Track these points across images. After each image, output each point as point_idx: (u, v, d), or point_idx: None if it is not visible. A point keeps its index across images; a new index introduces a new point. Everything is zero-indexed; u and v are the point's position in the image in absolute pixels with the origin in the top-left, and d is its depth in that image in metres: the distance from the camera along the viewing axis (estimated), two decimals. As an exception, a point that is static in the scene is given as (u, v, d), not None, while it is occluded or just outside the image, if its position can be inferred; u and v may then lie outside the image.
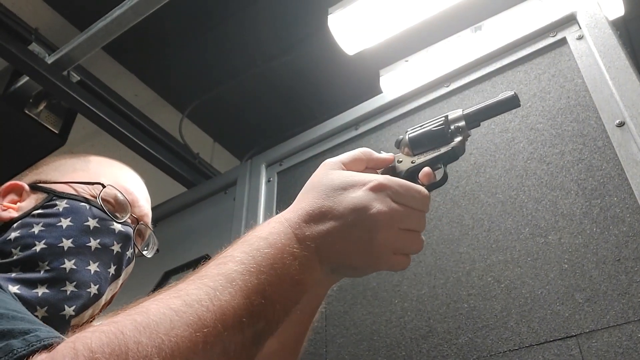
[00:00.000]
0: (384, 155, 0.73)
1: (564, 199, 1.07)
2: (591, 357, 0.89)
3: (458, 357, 1.03)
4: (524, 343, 0.97)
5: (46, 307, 0.70)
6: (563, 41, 1.25)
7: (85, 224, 0.79)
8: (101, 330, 0.45)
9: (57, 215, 0.79)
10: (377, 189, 0.62)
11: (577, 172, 1.08)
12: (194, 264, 1.61)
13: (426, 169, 0.70)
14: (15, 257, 0.74)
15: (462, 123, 0.72)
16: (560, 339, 0.94)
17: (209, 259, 0.57)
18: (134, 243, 0.86)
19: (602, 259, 0.97)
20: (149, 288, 1.62)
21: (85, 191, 0.84)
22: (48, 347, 0.46)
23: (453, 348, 1.04)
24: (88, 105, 1.90)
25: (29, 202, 0.82)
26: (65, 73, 1.88)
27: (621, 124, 1.05)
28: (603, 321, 0.91)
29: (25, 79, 1.87)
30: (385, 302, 1.19)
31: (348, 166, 0.68)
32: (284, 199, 1.53)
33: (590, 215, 1.02)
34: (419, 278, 1.17)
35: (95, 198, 0.83)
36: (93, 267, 0.78)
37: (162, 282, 1.64)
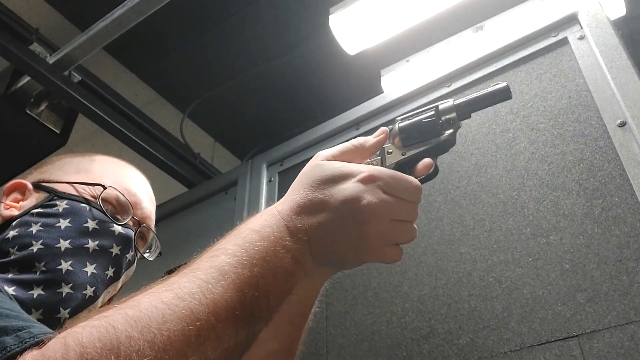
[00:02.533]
0: (375, 138, 0.72)
1: (565, 199, 1.06)
2: (592, 357, 0.89)
3: (459, 358, 1.02)
4: (525, 343, 0.97)
5: (41, 310, 0.70)
6: (564, 41, 1.25)
7: (84, 225, 0.79)
8: (92, 325, 0.45)
9: (56, 215, 0.78)
10: (368, 180, 0.62)
11: (579, 172, 1.07)
12: (195, 264, 1.61)
13: (426, 160, 0.69)
14: (12, 257, 0.74)
15: (453, 114, 0.71)
16: (561, 340, 0.94)
17: (199, 254, 0.57)
18: (135, 246, 0.85)
19: (604, 259, 0.96)
20: (150, 288, 1.62)
21: (86, 192, 0.83)
22: (40, 343, 0.46)
23: (454, 349, 1.04)
24: (89, 105, 1.90)
25: (31, 201, 0.82)
26: (66, 73, 1.88)
27: (622, 124, 1.05)
28: (604, 321, 0.91)
29: (26, 78, 1.87)
30: (386, 302, 1.19)
31: (340, 158, 0.67)
32: (284, 199, 1.52)
33: (592, 216, 1.02)
34: (420, 278, 1.17)
35: (96, 199, 0.82)
36: (90, 268, 0.77)
37: (163, 282, 1.64)
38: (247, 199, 1.64)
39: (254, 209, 1.59)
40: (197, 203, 1.88)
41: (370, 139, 0.72)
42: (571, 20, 1.26)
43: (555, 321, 0.96)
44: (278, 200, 1.62)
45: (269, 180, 1.64)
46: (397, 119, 0.74)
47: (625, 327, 0.88)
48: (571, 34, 1.24)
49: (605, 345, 0.89)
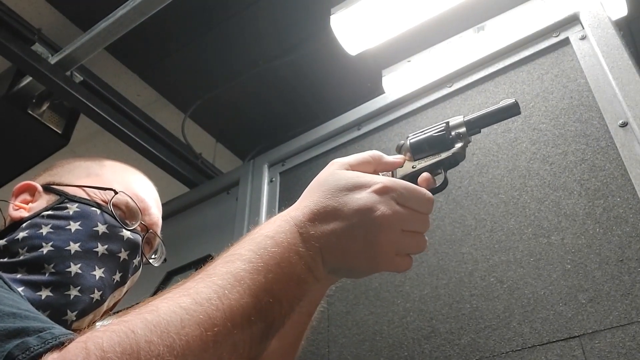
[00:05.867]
0: (393, 158, 0.73)
1: (566, 199, 1.06)
2: (594, 357, 0.89)
3: (460, 358, 1.03)
4: (527, 344, 0.97)
5: (49, 311, 0.71)
6: (566, 41, 1.25)
7: (94, 229, 0.80)
8: (112, 330, 0.45)
9: (67, 218, 0.79)
10: (382, 191, 0.62)
11: (580, 172, 1.07)
12: (197, 264, 1.61)
13: (425, 174, 0.71)
14: (21, 258, 0.74)
15: (462, 129, 0.73)
16: (563, 340, 0.94)
17: (214, 258, 0.57)
18: (141, 251, 0.86)
19: (605, 259, 0.96)
20: (152, 288, 1.62)
21: (97, 196, 0.84)
22: (61, 345, 0.46)
23: (455, 349, 1.04)
24: (91, 105, 1.91)
25: (41, 202, 0.82)
26: (68, 73, 1.89)
27: (624, 124, 1.05)
28: (606, 322, 0.91)
29: (28, 79, 1.88)
30: (387, 302, 1.19)
31: (355, 168, 0.68)
32: (286, 199, 1.53)
33: (593, 216, 1.02)
34: (421, 278, 1.17)
35: (107, 204, 0.83)
36: (98, 272, 0.78)
37: (165, 282, 1.64)
38: (248, 199, 1.65)
39: (255, 209, 1.59)
40: (199, 203, 1.88)
41: (387, 156, 0.73)
42: (573, 20, 1.26)
43: (557, 321, 0.96)
44: (279, 200, 1.62)
45: (271, 181, 1.64)
46: (408, 135, 0.76)
47: (627, 328, 0.88)
48: (573, 34, 1.24)
49: (606, 346, 0.89)
